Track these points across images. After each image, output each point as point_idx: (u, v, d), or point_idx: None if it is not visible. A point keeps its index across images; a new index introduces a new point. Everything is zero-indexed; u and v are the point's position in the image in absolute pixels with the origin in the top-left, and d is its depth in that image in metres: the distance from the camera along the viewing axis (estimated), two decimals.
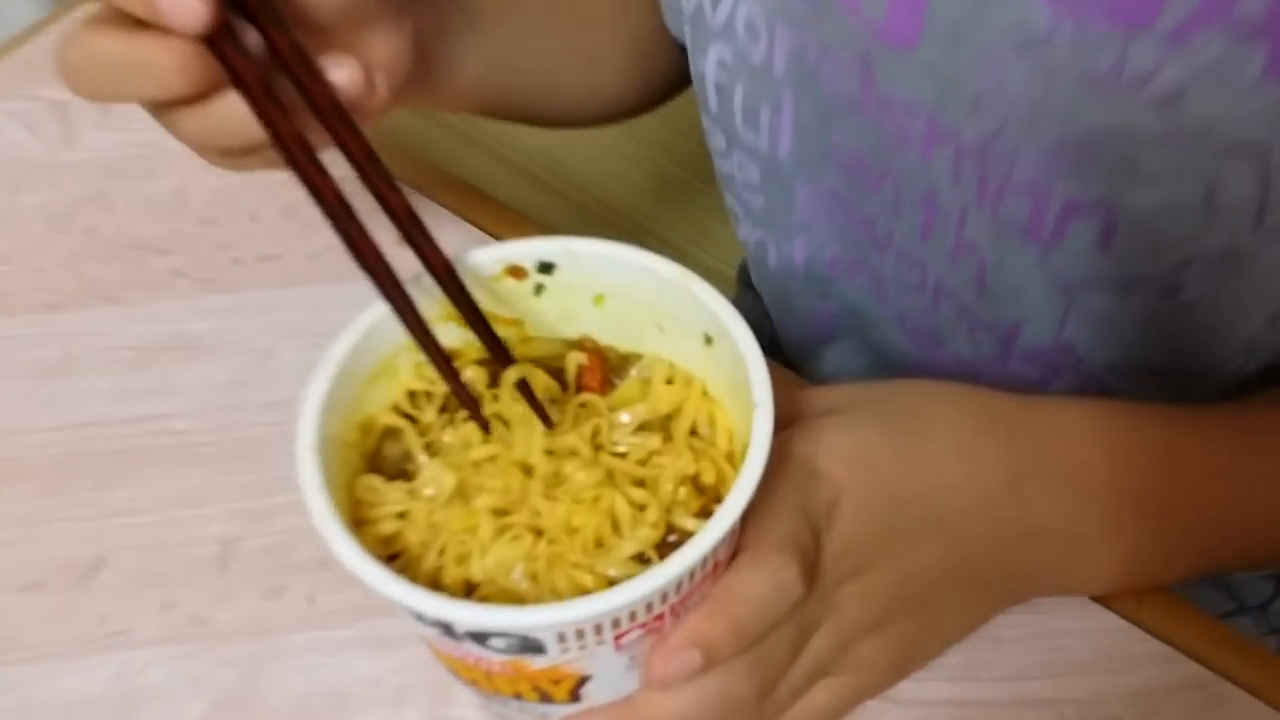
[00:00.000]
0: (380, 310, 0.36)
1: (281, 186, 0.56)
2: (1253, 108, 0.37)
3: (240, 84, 0.34)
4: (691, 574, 0.31)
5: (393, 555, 0.35)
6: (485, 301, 0.38)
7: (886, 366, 0.58)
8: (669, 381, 0.37)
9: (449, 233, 0.55)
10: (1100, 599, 0.42)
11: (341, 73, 0.35)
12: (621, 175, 1.42)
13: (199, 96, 0.36)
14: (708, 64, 0.51)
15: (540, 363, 0.38)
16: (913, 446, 0.39)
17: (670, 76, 0.62)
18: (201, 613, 0.45)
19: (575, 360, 0.38)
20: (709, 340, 0.36)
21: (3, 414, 0.51)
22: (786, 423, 0.37)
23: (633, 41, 0.59)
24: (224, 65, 0.33)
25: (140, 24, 0.33)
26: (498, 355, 0.37)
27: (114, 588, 0.46)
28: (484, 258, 0.38)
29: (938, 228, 0.48)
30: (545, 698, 0.35)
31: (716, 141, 0.54)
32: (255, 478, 0.48)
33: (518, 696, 0.35)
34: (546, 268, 0.38)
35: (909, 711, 0.40)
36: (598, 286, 0.38)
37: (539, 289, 0.38)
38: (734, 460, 0.35)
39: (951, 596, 0.41)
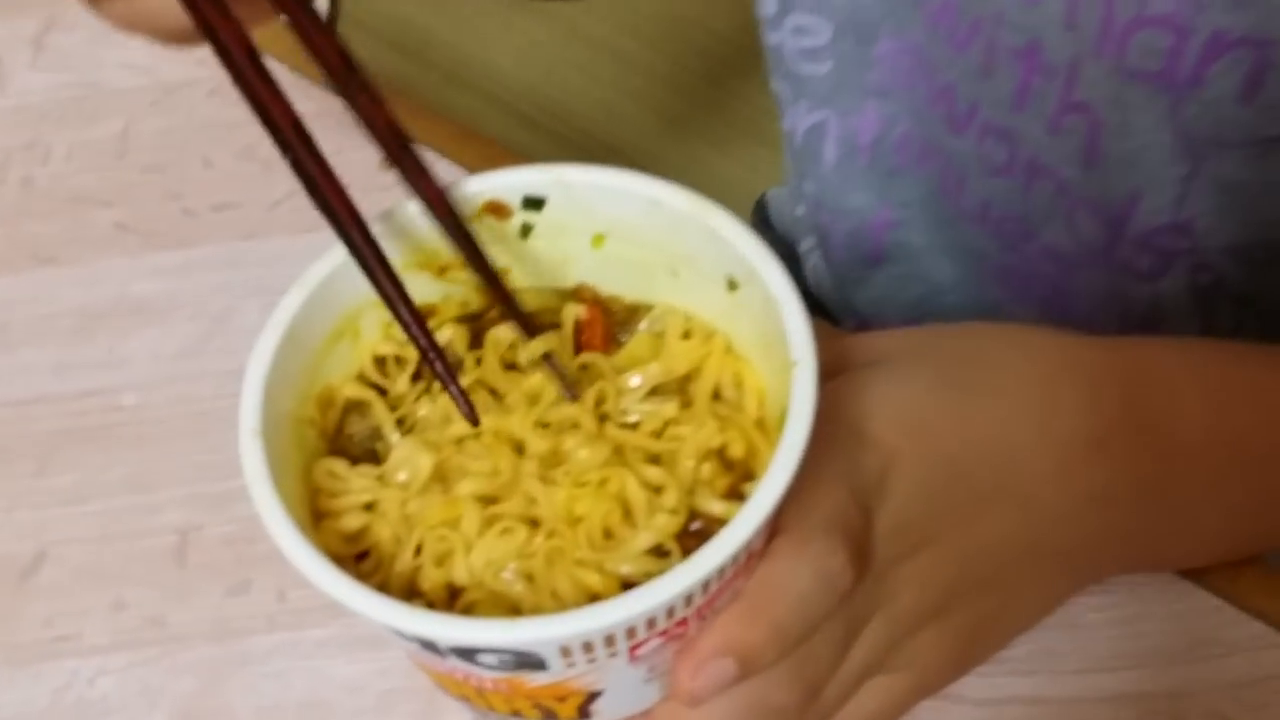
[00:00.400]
0: (337, 258, 0.30)
1: (238, 128, 0.50)
2: None
3: None
4: (721, 572, 0.25)
5: (361, 554, 0.29)
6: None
7: (938, 298, 0.53)
8: (685, 336, 0.31)
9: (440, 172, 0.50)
10: (1191, 574, 0.37)
11: None
12: (613, 108, 1.36)
13: None
14: None
15: (531, 315, 0.32)
16: (976, 402, 0.34)
17: None
18: (157, 613, 0.41)
19: (573, 314, 0.32)
20: (733, 285, 0.30)
21: None
22: (824, 377, 0.32)
23: None
24: None
25: None
26: (520, 320, 0.31)
27: (58, 586, 0.42)
28: (459, 193, 0.32)
29: (1037, 90, 0.43)
30: (549, 715, 0.29)
31: (767, 7, 0.50)
32: (213, 457, 0.43)
33: (516, 715, 0.29)
34: (535, 203, 0.32)
35: (975, 712, 0.35)
36: (597, 224, 0.32)
37: (526, 229, 0.32)
38: (766, 429, 0.30)
39: (1022, 576, 0.35)
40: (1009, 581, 0.35)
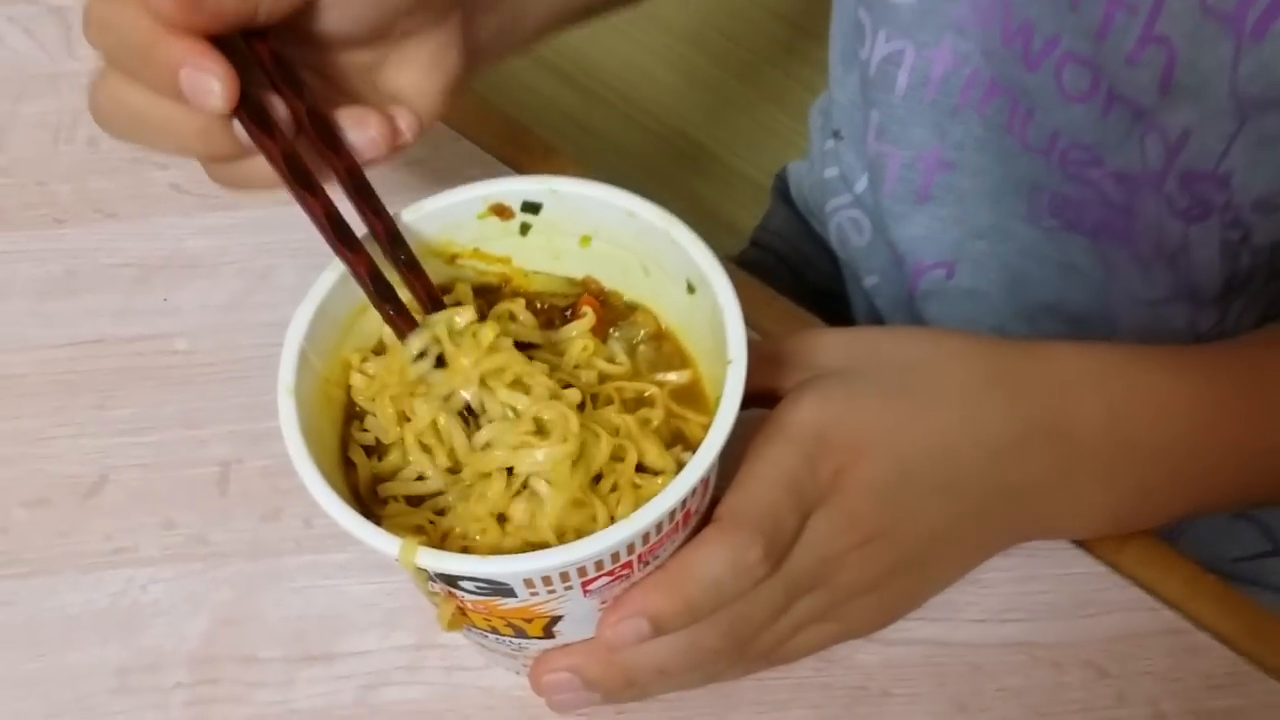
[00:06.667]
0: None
1: None
2: None
3: (272, 162, 0.34)
4: (658, 528, 0.32)
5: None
6: (471, 238, 0.38)
7: (971, 243, 0.57)
8: (656, 336, 0.37)
9: (458, 154, 0.55)
10: (1082, 544, 0.43)
11: (361, 135, 0.36)
12: (650, 72, 1.39)
13: (229, 159, 0.36)
14: None
15: (536, 297, 0.39)
16: (922, 410, 0.39)
17: None
18: (201, 533, 0.46)
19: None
20: (691, 288, 0.36)
21: (5, 331, 0.51)
22: (763, 376, 0.37)
23: None
24: (246, 132, 0.34)
25: None
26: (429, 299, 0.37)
27: (117, 506, 0.47)
28: (468, 195, 0.37)
29: (1119, 24, 0.46)
30: (520, 633, 0.36)
31: None
32: (253, 400, 0.49)
33: (493, 631, 0.36)
34: (532, 207, 0.38)
35: (886, 650, 0.41)
36: (584, 227, 0.38)
37: (525, 228, 0.38)
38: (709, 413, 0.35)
39: (947, 556, 0.41)
40: (935, 560, 0.41)
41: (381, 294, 0.35)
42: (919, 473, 0.39)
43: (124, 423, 0.49)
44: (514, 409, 0.34)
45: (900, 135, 0.56)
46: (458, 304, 0.36)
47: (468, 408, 0.35)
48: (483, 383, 0.34)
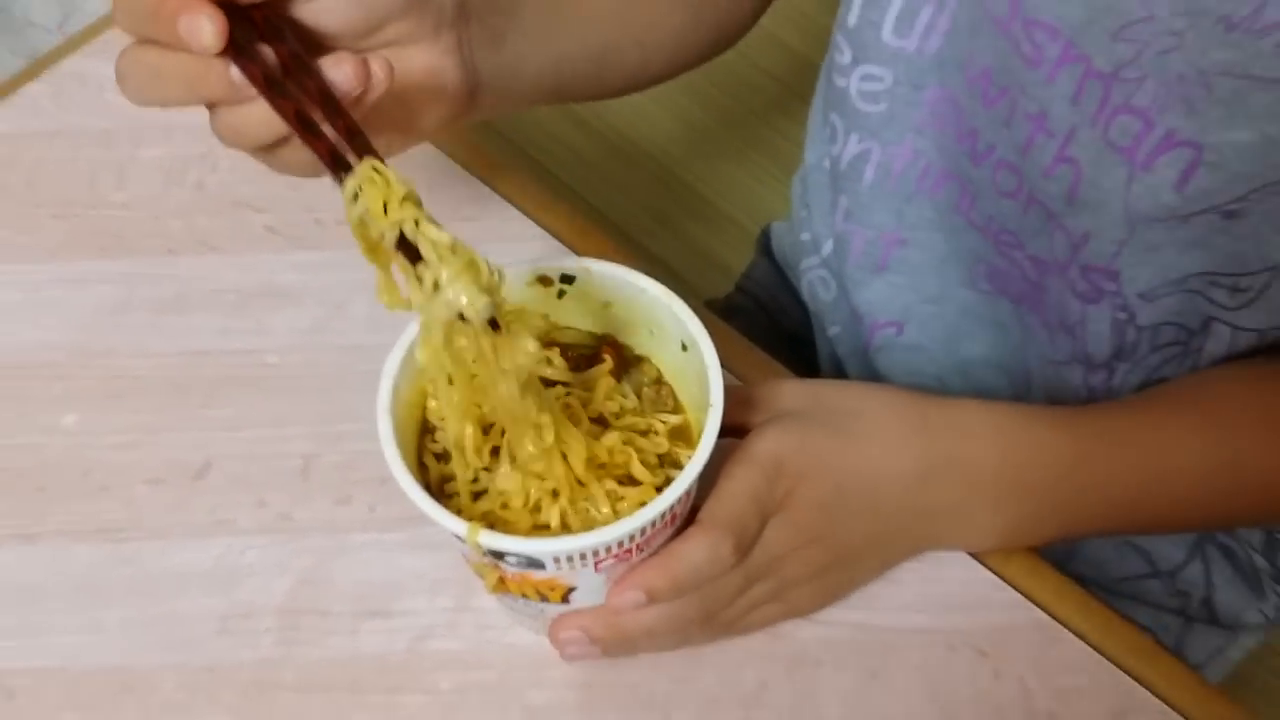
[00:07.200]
0: None
1: None
2: None
3: (254, 82, 0.41)
4: (653, 523, 0.44)
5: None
6: (519, 299, 0.50)
7: (920, 306, 0.67)
8: (657, 382, 0.49)
9: (514, 227, 0.66)
10: (976, 556, 0.55)
11: (337, 71, 0.42)
12: (655, 121, 1.50)
13: (225, 101, 0.43)
14: None
15: (568, 347, 0.51)
16: (854, 446, 0.51)
17: (726, 29, 0.68)
18: (287, 511, 0.58)
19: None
20: (685, 347, 0.48)
21: (128, 339, 0.63)
22: (737, 415, 0.49)
23: (686, 6, 0.64)
24: (240, 70, 0.41)
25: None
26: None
27: (218, 487, 0.58)
28: (520, 269, 0.49)
29: (1040, 144, 0.54)
30: (544, 598, 0.47)
31: (842, 58, 0.61)
32: (329, 407, 0.60)
33: (524, 596, 0.48)
34: (568, 279, 0.50)
35: (816, 629, 0.53)
36: (606, 296, 0.50)
37: (561, 293, 0.50)
38: (691, 444, 0.48)
39: (870, 559, 0.53)
40: (860, 561, 0.53)
41: (338, 167, 0.41)
42: (850, 495, 0.50)
43: (224, 420, 0.60)
44: (438, 243, 0.40)
45: (864, 218, 0.67)
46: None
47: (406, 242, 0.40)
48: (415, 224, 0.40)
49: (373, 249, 0.42)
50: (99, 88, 0.72)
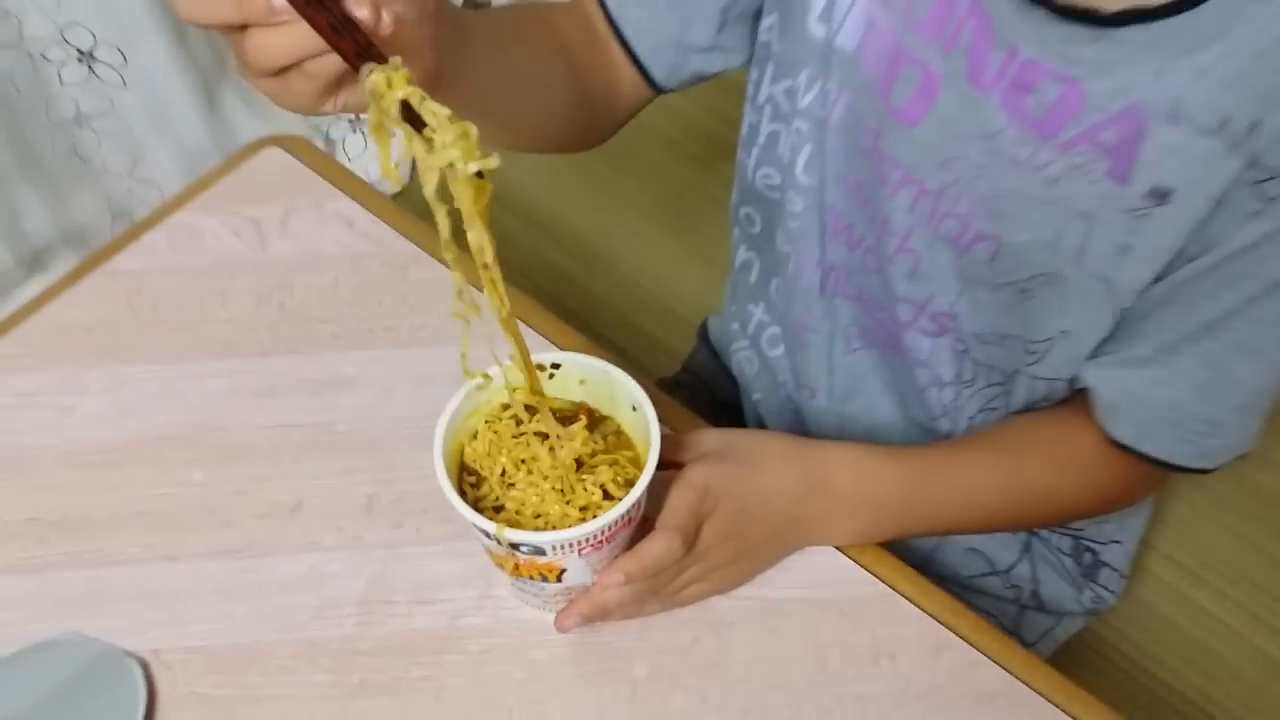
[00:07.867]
0: (479, 381, 0.72)
1: (397, 284, 0.92)
2: (1094, 191, 0.63)
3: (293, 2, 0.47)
4: (616, 522, 0.67)
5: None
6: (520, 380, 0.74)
7: (827, 358, 0.89)
8: (617, 432, 0.74)
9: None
10: (840, 549, 0.79)
11: (360, 8, 0.49)
12: (617, 241, 1.80)
13: (260, 23, 0.48)
14: (789, 134, 0.78)
15: (554, 411, 0.75)
16: (755, 475, 0.74)
17: (607, 116, 0.83)
18: (358, 535, 0.81)
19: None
20: (635, 409, 0.73)
21: (236, 417, 0.86)
22: (672, 453, 0.74)
23: (568, 73, 0.77)
24: None
25: None
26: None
27: (308, 519, 0.81)
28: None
29: (886, 240, 0.74)
30: (544, 579, 0.71)
31: (774, 193, 0.83)
32: (384, 461, 0.83)
33: (530, 578, 0.71)
34: (556, 366, 0.74)
35: (733, 601, 0.77)
36: (581, 375, 0.74)
37: (551, 375, 0.75)
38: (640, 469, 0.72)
39: (769, 552, 0.77)
40: (761, 554, 0.76)
41: (360, 60, 0.49)
42: (753, 508, 0.74)
43: (309, 472, 0.83)
44: (438, 113, 0.49)
45: (779, 317, 0.92)
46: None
47: (410, 111, 0.49)
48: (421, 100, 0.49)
49: (377, 129, 0.51)
50: (200, 235, 0.97)
